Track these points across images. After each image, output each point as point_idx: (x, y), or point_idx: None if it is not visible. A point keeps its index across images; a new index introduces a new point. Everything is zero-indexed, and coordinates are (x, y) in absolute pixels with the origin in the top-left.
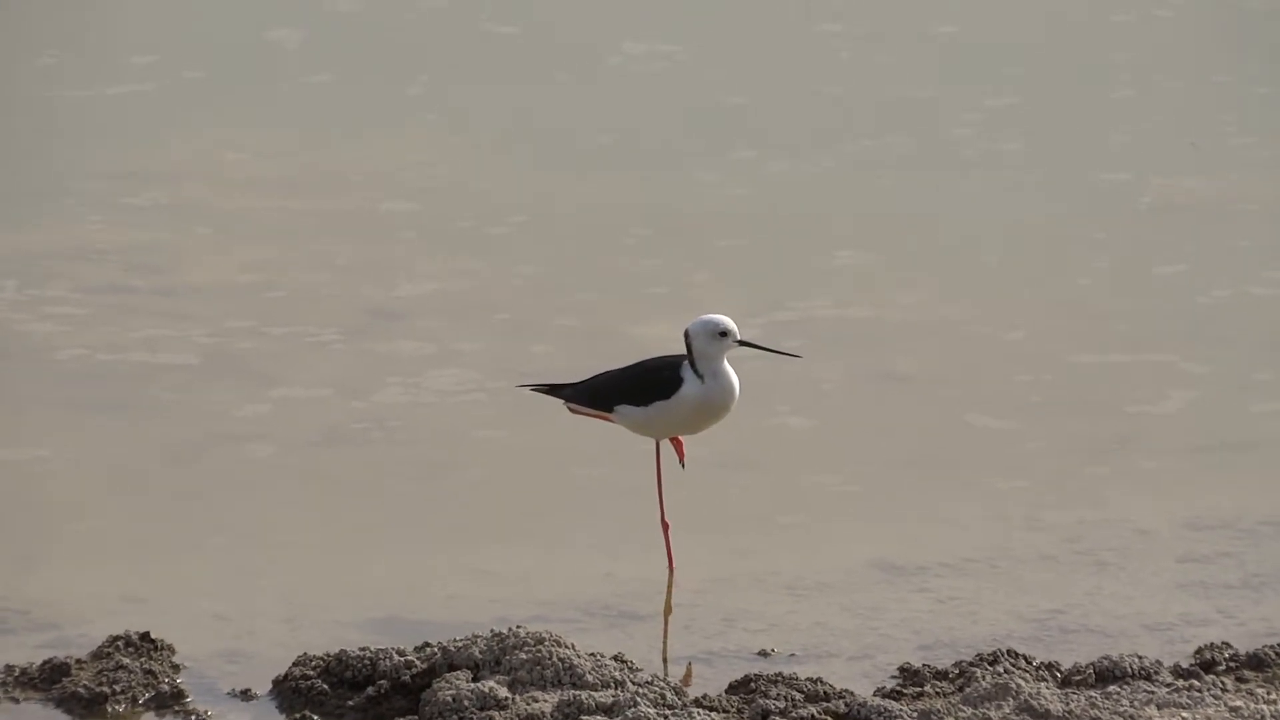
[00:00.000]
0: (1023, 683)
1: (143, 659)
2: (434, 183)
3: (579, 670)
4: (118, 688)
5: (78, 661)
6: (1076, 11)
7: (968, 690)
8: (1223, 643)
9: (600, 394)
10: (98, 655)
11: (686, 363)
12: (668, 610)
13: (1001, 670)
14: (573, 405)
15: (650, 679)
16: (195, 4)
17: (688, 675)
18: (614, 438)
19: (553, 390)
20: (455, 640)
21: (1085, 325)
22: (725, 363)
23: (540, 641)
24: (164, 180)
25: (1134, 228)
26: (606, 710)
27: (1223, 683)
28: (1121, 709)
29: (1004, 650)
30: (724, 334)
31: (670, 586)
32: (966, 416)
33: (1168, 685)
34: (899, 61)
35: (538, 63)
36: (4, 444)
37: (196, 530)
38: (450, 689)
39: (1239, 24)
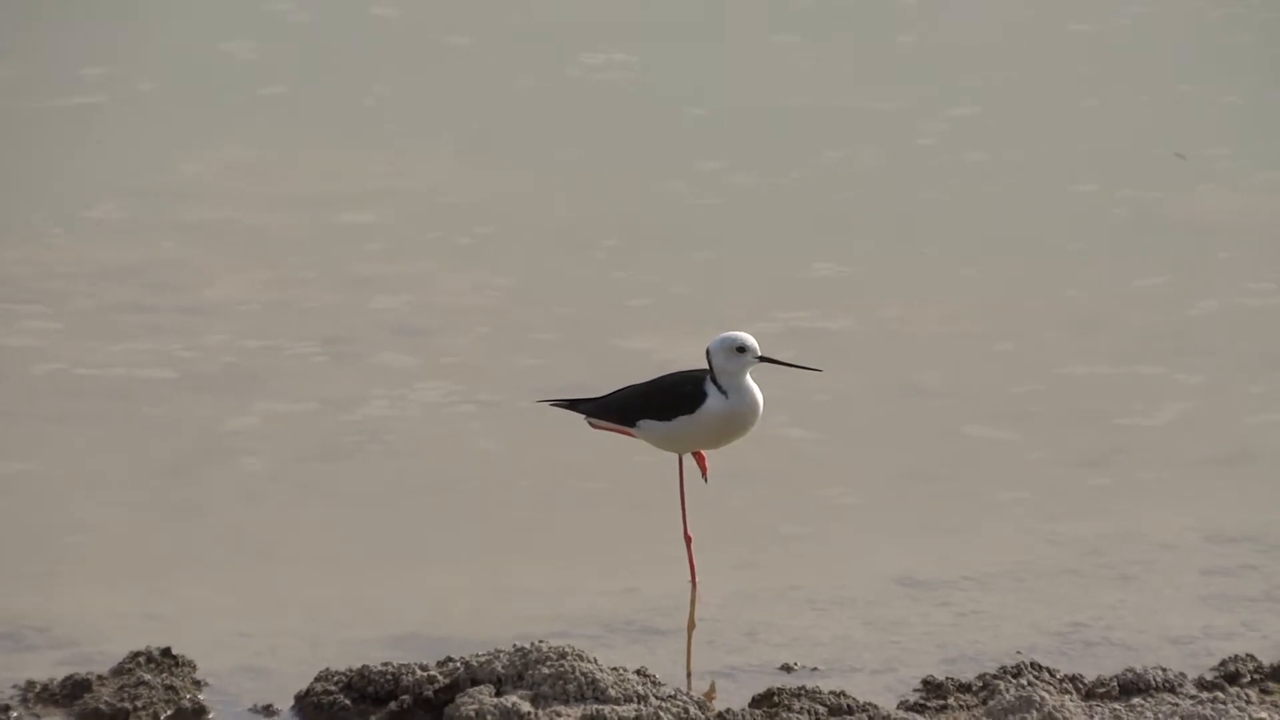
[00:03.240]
0: (1046, 695)
1: (164, 675)
2: (396, 194)
3: (601, 685)
4: (139, 704)
5: (99, 678)
6: (1034, 21)
7: (991, 703)
8: (1246, 655)
9: (623, 409)
10: (119, 671)
11: (709, 378)
12: (691, 625)
13: (1025, 683)
14: (594, 420)
15: (673, 693)
16: (144, 16)
17: (711, 690)
18: (620, 451)
19: (573, 405)
20: (478, 655)
21: (1073, 337)
22: (748, 378)
23: (563, 656)
24: (127, 194)
25: (1109, 240)
26: None
27: (1247, 695)
28: None
29: (1027, 663)
30: (741, 350)
31: (694, 601)
32: (964, 428)
33: (1191, 698)
34: (858, 72)
35: (493, 74)
36: (9, 459)
37: (210, 546)
38: (473, 704)
39: (1200, 33)
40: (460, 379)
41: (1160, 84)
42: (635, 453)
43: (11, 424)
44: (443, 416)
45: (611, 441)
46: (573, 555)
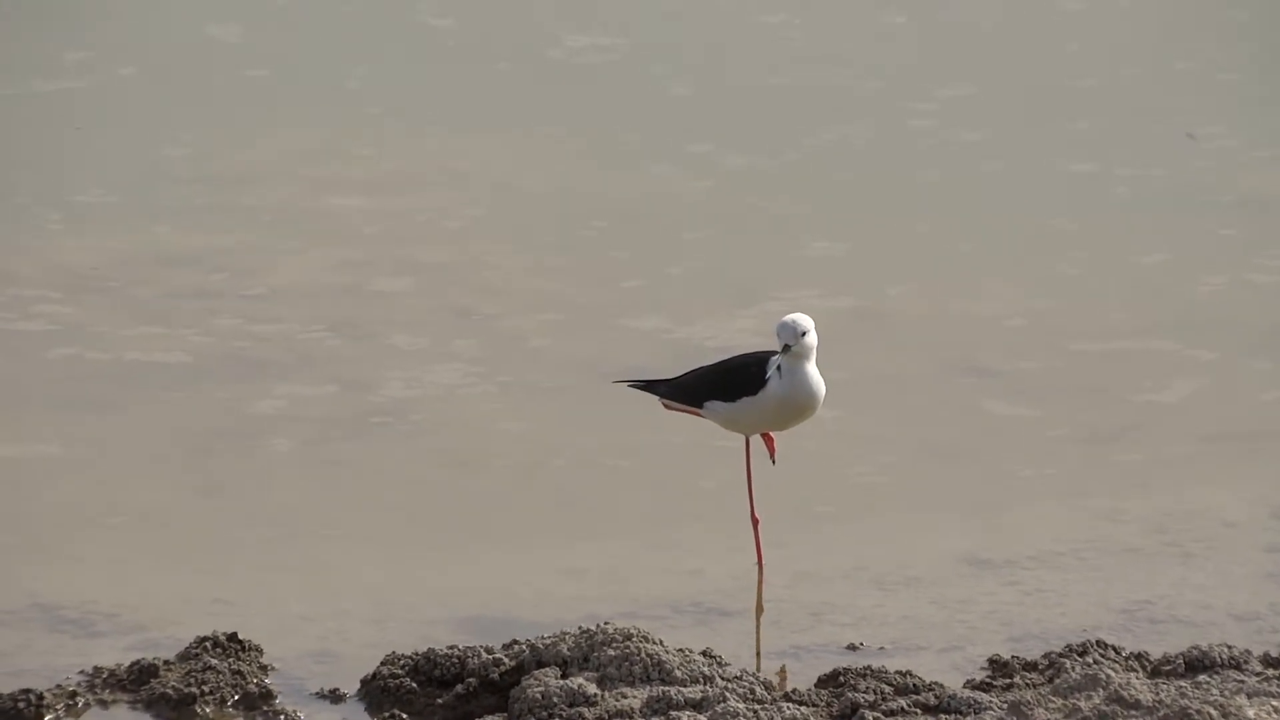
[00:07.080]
0: (1112, 673)
1: (230, 660)
2: (383, 177)
3: (667, 666)
4: (206, 688)
5: (165, 663)
6: None
7: (1057, 681)
8: None
9: (692, 390)
10: (185, 656)
11: (774, 360)
12: (759, 607)
13: (1091, 661)
14: (666, 401)
15: (739, 674)
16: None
17: (782, 672)
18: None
19: (648, 386)
20: (543, 637)
21: (1082, 314)
22: (807, 363)
23: (628, 638)
24: (116, 179)
25: (1111, 217)
26: (695, 706)
27: None
28: (1211, 698)
29: (1093, 641)
30: (779, 335)
31: (760, 582)
32: (983, 404)
33: (1257, 674)
34: (844, 52)
35: (478, 56)
36: (37, 442)
37: (264, 528)
38: (539, 686)
39: (1196, 10)
40: (474, 360)
41: (1157, 62)
42: (680, 435)
43: (29, 409)
44: (463, 398)
45: (638, 421)
46: (632, 536)
